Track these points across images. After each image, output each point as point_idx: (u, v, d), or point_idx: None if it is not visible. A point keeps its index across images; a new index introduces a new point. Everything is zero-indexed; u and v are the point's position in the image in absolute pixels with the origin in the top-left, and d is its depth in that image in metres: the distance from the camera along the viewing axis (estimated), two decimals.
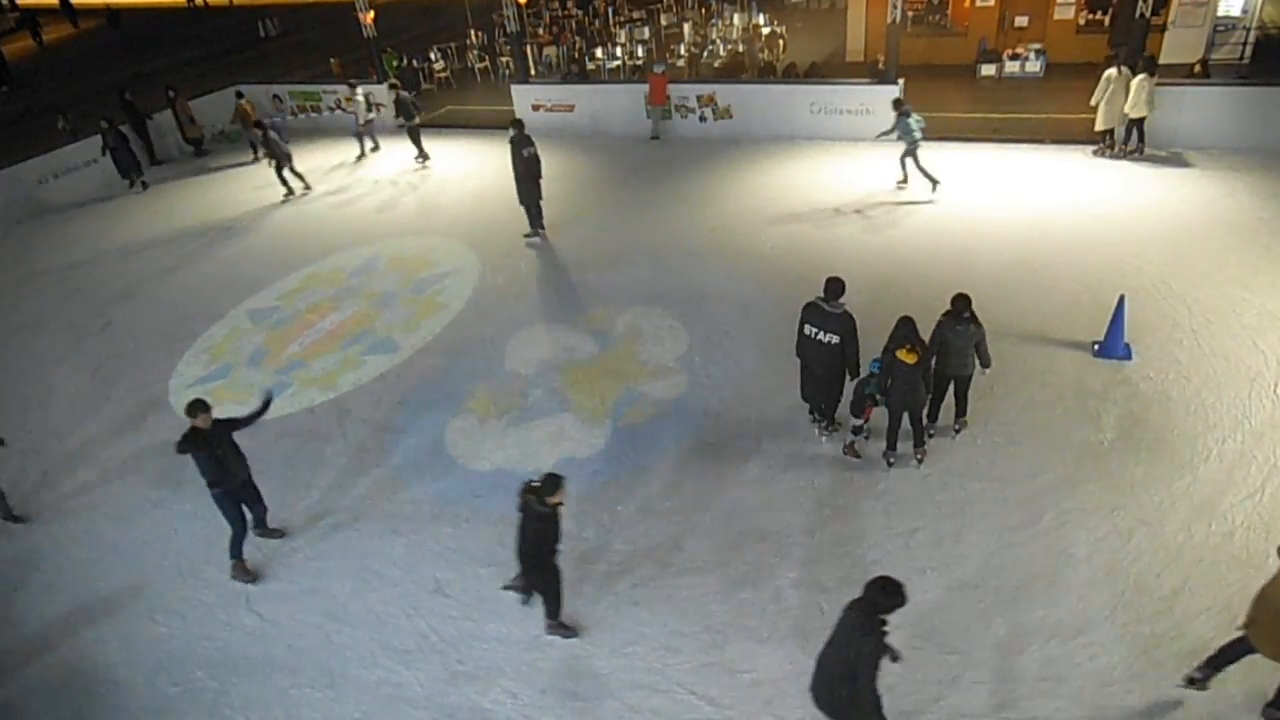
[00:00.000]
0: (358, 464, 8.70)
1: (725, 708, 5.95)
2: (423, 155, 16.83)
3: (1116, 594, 6.38)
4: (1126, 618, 6.18)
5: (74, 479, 8.99)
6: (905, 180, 13.27)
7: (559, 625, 6.58)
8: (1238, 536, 6.69)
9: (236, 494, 7.19)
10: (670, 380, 9.34)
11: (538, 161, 12.49)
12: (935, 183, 12.89)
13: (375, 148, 17.63)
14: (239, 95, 18.48)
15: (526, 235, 13.05)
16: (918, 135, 12.62)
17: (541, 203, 12.87)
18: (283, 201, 15.57)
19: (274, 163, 15.36)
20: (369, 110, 17.10)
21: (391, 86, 17.34)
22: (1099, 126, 13.32)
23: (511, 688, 6.26)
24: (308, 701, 6.34)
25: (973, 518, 7.18)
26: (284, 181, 15.55)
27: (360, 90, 17.11)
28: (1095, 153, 13.60)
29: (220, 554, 7.75)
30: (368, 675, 6.48)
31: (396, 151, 17.56)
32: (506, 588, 6.51)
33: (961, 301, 7.35)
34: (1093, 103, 13.21)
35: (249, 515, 7.45)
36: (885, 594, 4.67)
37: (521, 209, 12.89)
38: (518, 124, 12.60)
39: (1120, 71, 12.87)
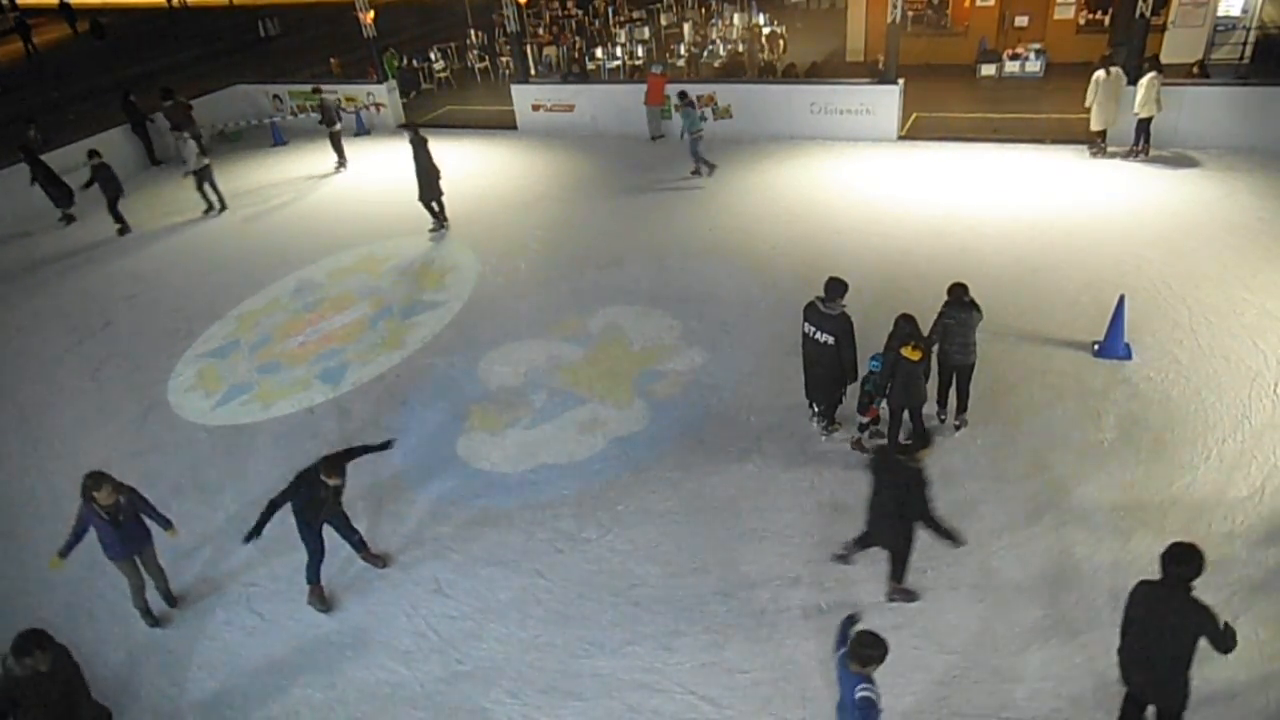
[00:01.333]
0: (358, 465, 8.67)
1: (725, 708, 5.95)
2: (342, 162, 16.91)
3: (1116, 594, 6.36)
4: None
5: (74, 479, 8.97)
6: (699, 168, 14.61)
7: (902, 590, 6.52)
8: (1238, 536, 6.69)
9: (322, 524, 6.92)
10: (683, 357, 9.35)
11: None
12: (712, 168, 14.50)
13: (209, 208, 15.36)
14: (166, 95, 17.82)
15: (433, 230, 13.57)
16: (701, 125, 14.32)
17: (443, 198, 13.50)
18: (119, 235, 14.83)
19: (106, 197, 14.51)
20: (203, 155, 14.98)
21: (315, 90, 17.10)
22: (1094, 127, 13.32)
23: (511, 688, 6.26)
24: (308, 701, 6.34)
25: (973, 518, 7.17)
26: (118, 217, 14.77)
27: (189, 135, 15.15)
28: (1093, 154, 13.61)
29: (220, 553, 7.77)
30: (368, 675, 6.48)
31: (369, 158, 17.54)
32: (839, 557, 6.81)
33: (960, 288, 7.45)
34: (1086, 104, 13.23)
35: (345, 543, 7.26)
36: (1184, 563, 4.55)
37: (423, 207, 13.47)
38: (411, 126, 13.21)
39: (1109, 73, 12.88)
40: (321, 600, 7.08)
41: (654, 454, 8.31)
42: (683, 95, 14.62)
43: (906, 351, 7.19)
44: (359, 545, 7.37)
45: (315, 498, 6.62)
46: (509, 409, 9.21)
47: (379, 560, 7.43)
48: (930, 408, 8.01)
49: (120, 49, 32.06)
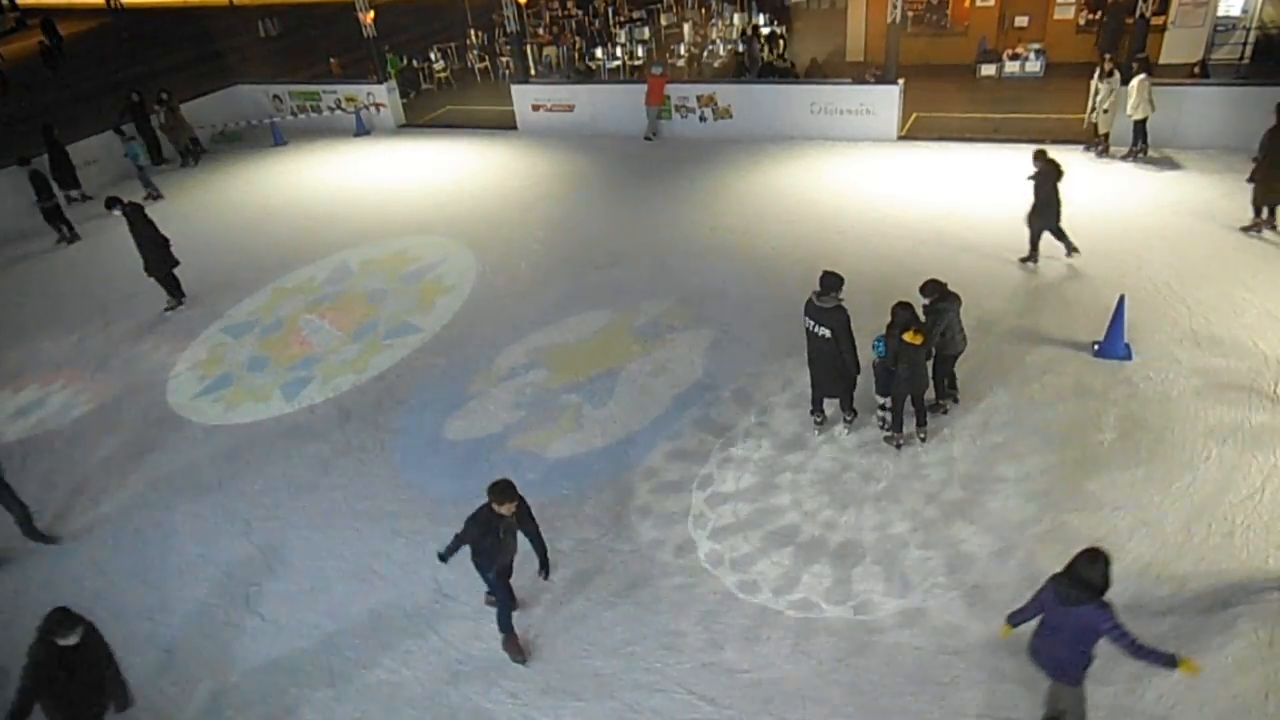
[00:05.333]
0: (358, 464, 8.70)
1: (725, 708, 5.94)
2: (69, 236, 14.87)
3: (1116, 594, 6.33)
4: (1126, 618, 6.16)
5: (74, 480, 8.99)
6: (155, 195, 15.83)
7: None
8: (1238, 536, 6.68)
9: (506, 572, 6.40)
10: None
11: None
12: (157, 196, 15.04)
13: None
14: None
15: (168, 308, 11.98)
16: (143, 160, 16.08)
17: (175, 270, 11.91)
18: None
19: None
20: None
21: (22, 161, 14.59)
22: (1103, 130, 13.35)
23: (511, 688, 6.26)
24: (308, 701, 6.33)
25: (973, 517, 7.18)
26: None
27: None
28: (1099, 154, 13.63)
29: (220, 553, 7.78)
30: (368, 675, 6.48)
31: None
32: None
33: (939, 283, 7.63)
34: (1095, 109, 13.26)
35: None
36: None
37: (156, 280, 11.84)
38: (116, 201, 11.45)
39: (1108, 80, 12.92)
40: (517, 650, 6.44)
41: (653, 452, 8.31)
42: (119, 130, 15.66)
43: (908, 336, 7.27)
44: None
45: (493, 533, 5.96)
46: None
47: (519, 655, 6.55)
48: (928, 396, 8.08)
49: (81, 66, 30.49)
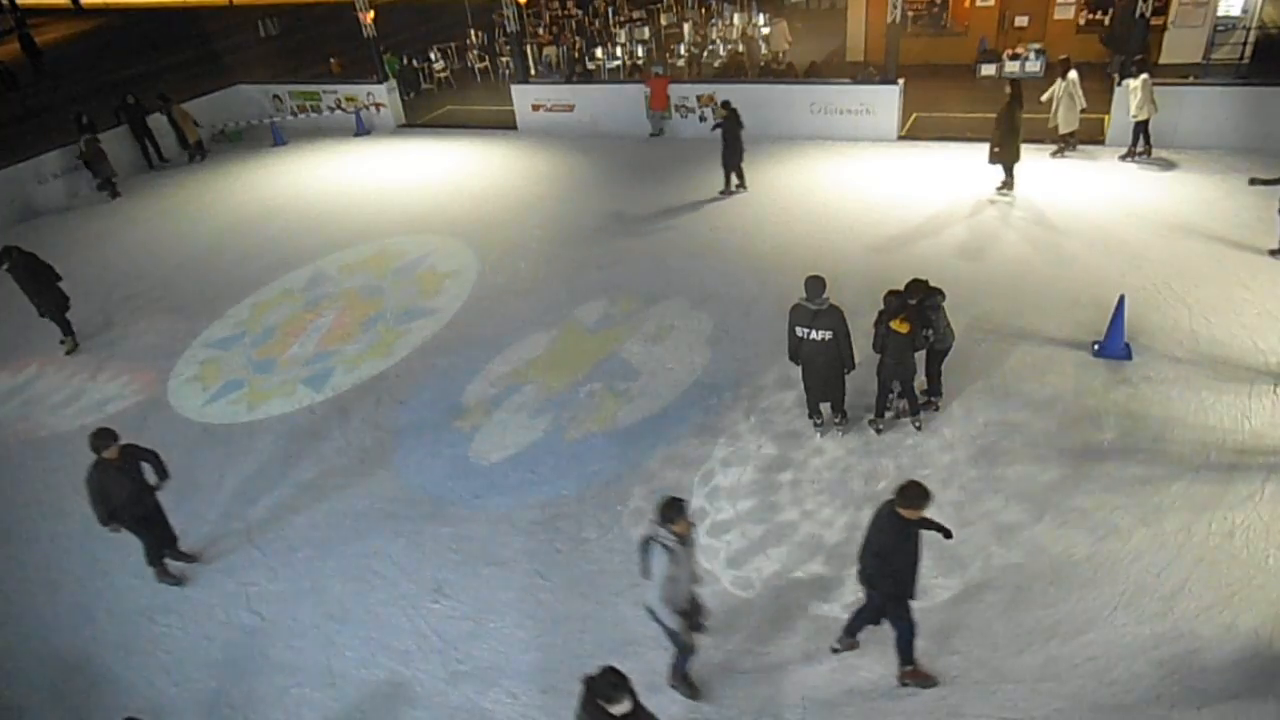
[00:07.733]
0: (358, 464, 8.70)
1: (725, 708, 5.95)
2: None
3: (1116, 594, 6.38)
4: (1126, 618, 6.19)
5: (74, 479, 8.98)
6: None
7: None
8: (1238, 536, 6.68)
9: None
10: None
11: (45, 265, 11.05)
12: None
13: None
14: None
15: (68, 351, 11.34)
16: None
17: (69, 315, 11.31)
18: None
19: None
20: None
21: None
22: (1064, 129, 13.38)
23: (511, 688, 6.26)
24: (308, 701, 6.34)
25: (972, 516, 7.18)
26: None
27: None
28: (1053, 155, 13.71)
29: (220, 554, 7.77)
30: (368, 675, 6.48)
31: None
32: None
33: (924, 282, 7.59)
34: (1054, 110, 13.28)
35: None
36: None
37: (50, 320, 11.18)
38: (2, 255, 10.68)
39: (1064, 80, 12.90)
40: (927, 676, 5.92)
41: (654, 452, 8.31)
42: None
43: (895, 324, 7.39)
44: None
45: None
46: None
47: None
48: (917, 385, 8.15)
49: (67, 72, 29.42)
